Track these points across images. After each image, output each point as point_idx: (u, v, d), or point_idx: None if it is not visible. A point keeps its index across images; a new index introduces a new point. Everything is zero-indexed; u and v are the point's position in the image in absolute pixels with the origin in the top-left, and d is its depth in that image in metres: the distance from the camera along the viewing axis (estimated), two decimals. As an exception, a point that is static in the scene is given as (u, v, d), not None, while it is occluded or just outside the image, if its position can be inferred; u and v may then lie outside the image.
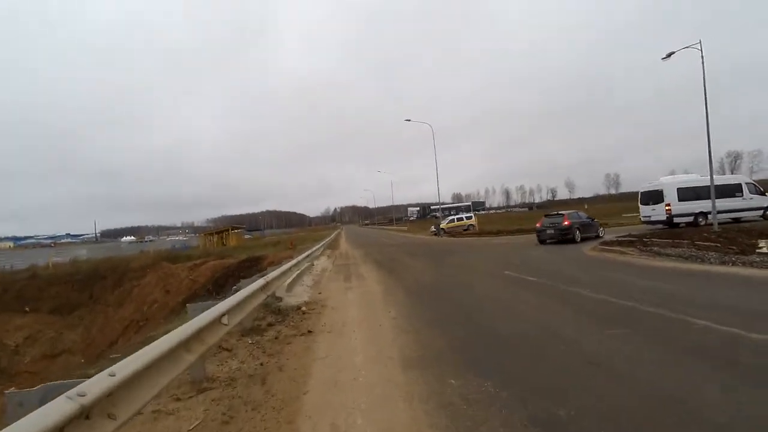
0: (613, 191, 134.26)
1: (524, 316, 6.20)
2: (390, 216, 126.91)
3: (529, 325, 5.52)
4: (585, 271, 10.00)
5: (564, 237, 18.49)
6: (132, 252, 50.06)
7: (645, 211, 21.03)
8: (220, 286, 24.40)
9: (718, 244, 11.73)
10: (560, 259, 12.74)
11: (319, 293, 9.55)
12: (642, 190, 21.61)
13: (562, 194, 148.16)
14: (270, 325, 6.62)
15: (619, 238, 15.61)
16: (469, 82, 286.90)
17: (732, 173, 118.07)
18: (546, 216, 20.58)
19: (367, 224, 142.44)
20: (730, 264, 9.45)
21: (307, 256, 16.66)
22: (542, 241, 19.27)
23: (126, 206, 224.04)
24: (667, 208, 19.30)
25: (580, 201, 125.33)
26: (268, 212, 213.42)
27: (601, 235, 20.21)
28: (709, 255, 10.46)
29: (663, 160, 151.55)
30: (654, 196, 20.19)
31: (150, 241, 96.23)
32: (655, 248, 12.28)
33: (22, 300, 28.67)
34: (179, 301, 25.24)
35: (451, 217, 42.74)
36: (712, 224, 17.00)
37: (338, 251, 26.97)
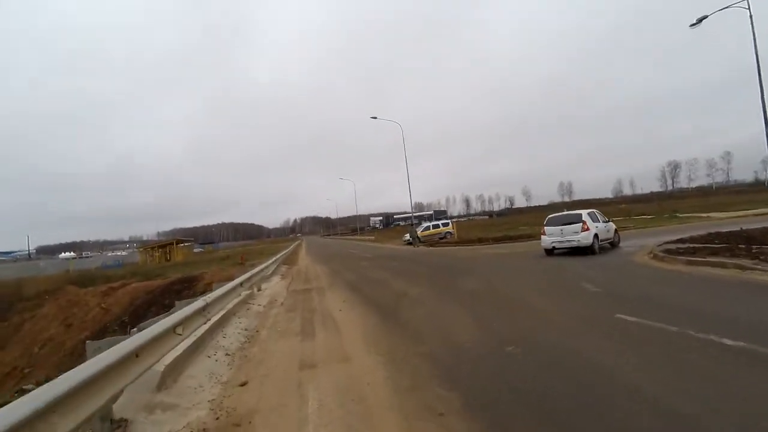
0: (566, 199, 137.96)
1: None
2: (352, 226, 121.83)
3: None
4: (740, 306, 5.54)
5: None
6: (52, 271, 41.90)
7: None
8: (139, 316, 18.55)
9: None
10: (645, 281, 8.31)
11: (242, 384, 4.31)
12: None
13: (520, 202, 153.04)
14: None
15: (692, 245, 11.42)
16: (434, 99, 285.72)
17: (672, 181, 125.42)
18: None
19: (328, 235, 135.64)
20: None
21: (254, 275, 11.35)
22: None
23: (70, 220, 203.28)
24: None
25: (537, 208, 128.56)
26: (224, 224, 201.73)
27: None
28: None
29: (611, 172, 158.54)
30: None
31: (87, 257, 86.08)
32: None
33: None
34: (82, 338, 19.00)
35: (426, 224, 38.25)
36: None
37: (297, 267, 21.49)
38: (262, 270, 14.35)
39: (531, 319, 5.79)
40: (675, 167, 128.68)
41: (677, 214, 34.05)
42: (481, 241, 28.15)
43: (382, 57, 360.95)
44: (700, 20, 16.32)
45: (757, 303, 5.64)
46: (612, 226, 16.24)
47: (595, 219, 14.92)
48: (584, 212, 14.85)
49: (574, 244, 14.06)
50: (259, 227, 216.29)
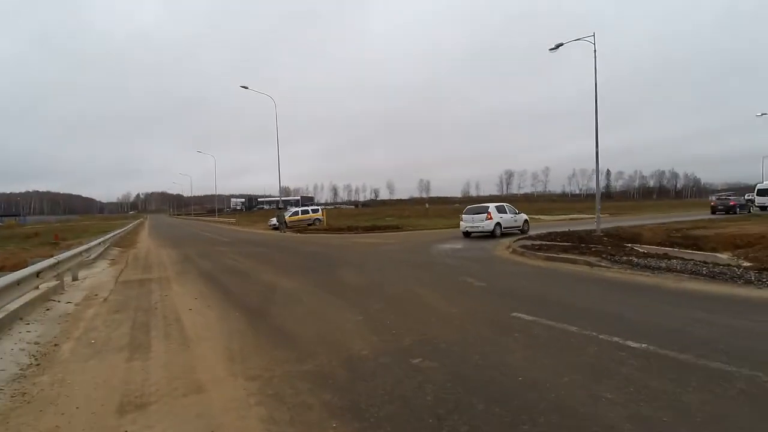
0: (424, 195, 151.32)
1: None
2: (210, 206, 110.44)
3: None
4: (593, 300, 5.86)
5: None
6: None
7: None
8: None
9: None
10: (520, 277, 8.61)
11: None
12: None
13: (384, 194, 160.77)
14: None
15: (542, 242, 12.61)
16: (314, 83, 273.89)
17: (507, 186, 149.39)
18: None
19: (179, 215, 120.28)
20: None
21: (68, 259, 8.46)
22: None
23: None
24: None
25: (399, 201, 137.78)
26: (38, 193, 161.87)
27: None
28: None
29: (462, 174, 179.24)
30: None
31: None
32: (622, 257, 9.31)
33: None
34: None
35: (295, 210, 36.31)
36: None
37: (134, 251, 17.67)
38: (81, 253, 11.08)
39: (429, 320, 5.12)
40: (510, 175, 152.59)
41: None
42: (350, 229, 27.82)
43: (260, 30, 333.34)
44: (557, 46, 18.47)
45: (613, 296, 6.06)
46: (522, 217, 19.70)
47: (501, 210, 18.73)
48: (492, 205, 18.75)
49: (480, 229, 17.88)
50: (89, 201, 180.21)
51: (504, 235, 17.79)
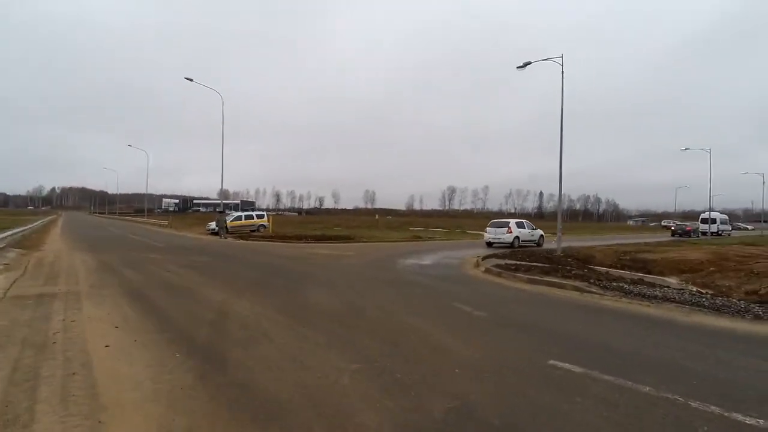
0: (369, 206, 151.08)
1: None
2: (139, 206, 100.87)
3: None
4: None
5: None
6: None
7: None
8: None
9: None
10: (514, 304, 7.64)
11: None
12: None
13: (329, 203, 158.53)
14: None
15: (516, 262, 11.93)
16: (259, 88, 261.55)
17: (449, 203, 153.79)
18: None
19: (101, 213, 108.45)
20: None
21: None
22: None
23: None
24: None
25: (344, 211, 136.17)
26: None
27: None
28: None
29: (406, 188, 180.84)
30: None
31: None
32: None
33: None
34: None
35: (238, 214, 33.47)
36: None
37: (39, 254, 14.59)
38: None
39: (451, 371, 3.86)
40: (452, 191, 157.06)
41: (467, 231, 39.53)
42: (299, 238, 25.93)
43: (216, 29, 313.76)
44: (525, 64, 18.42)
45: (645, 336, 5.23)
46: (539, 232, 22.35)
47: (521, 226, 21.42)
48: (512, 221, 21.80)
49: (501, 241, 20.49)
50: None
51: (521, 247, 19.90)
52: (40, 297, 7.12)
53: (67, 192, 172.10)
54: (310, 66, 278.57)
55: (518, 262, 12.48)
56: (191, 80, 29.84)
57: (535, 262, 13.00)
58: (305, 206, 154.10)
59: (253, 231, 30.59)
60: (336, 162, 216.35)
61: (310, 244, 22.48)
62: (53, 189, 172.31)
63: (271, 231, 30.82)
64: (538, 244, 21.52)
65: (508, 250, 17.85)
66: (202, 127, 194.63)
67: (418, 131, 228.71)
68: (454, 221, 75.36)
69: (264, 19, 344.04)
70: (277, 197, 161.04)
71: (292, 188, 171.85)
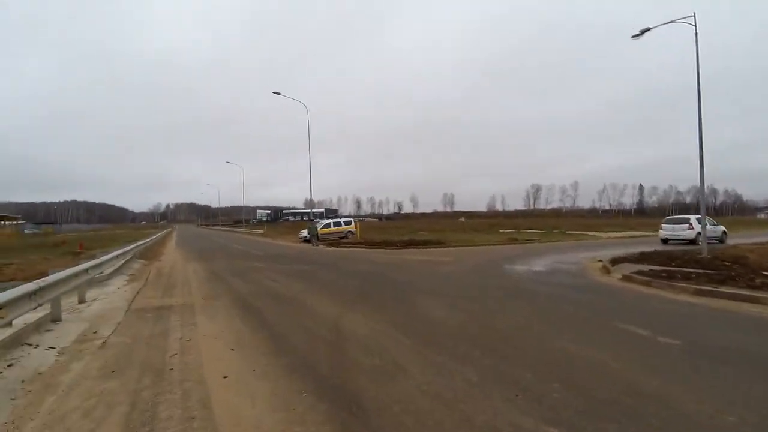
0: (448, 209, 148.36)
1: None
2: (236, 217, 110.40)
3: None
4: None
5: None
6: None
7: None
8: None
9: None
10: (699, 324, 5.89)
11: None
12: None
13: (407, 208, 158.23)
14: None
15: (665, 268, 9.92)
16: (336, 96, 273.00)
17: (534, 202, 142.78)
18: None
19: (206, 225, 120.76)
20: None
21: (76, 274, 6.45)
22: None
23: None
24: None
25: (423, 215, 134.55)
26: (74, 203, 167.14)
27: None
28: None
29: (487, 188, 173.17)
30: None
31: None
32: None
33: None
34: None
35: (327, 221, 34.14)
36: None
37: (158, 264, 15.72)
38: (98, 265, 9.14)
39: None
40: (537, 189, 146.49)
41: (567, 232, 36.01)
42: (387, 244, 25.34)
43: (288, 42, 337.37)
44: (643, 32, 15.74)
45: None
46: (720, 228, 21.14)
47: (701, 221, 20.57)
48: (693, 217, 20.24)
49: (680, 237, 19.86)
50: (122, 210, 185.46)
51: (692, 243, 18.91)
52: (158, 310, 7.09)
53: (178, 207, 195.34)
54: (379, 68, 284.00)
55: (665, 268, 10.25)
56: (278, 93, 31.19)
57: (685, 266, 10.62)
58: (384, 212, 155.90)
59: (342, 238, 30.84)
60: (411, 166, 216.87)
61: (400, 250, 21.75)
62: (168, 205, 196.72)
63: (359, 237, 30.83)
64: (721, 241, 20.07)
65: (638, 254, 15.22)
66: (286, 138, 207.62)
67: (496, 128, 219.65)
68: (543, 221, 69.92)
69: (339, 25, 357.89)
70: (358, 204, 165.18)
71: (371, 194, 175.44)
